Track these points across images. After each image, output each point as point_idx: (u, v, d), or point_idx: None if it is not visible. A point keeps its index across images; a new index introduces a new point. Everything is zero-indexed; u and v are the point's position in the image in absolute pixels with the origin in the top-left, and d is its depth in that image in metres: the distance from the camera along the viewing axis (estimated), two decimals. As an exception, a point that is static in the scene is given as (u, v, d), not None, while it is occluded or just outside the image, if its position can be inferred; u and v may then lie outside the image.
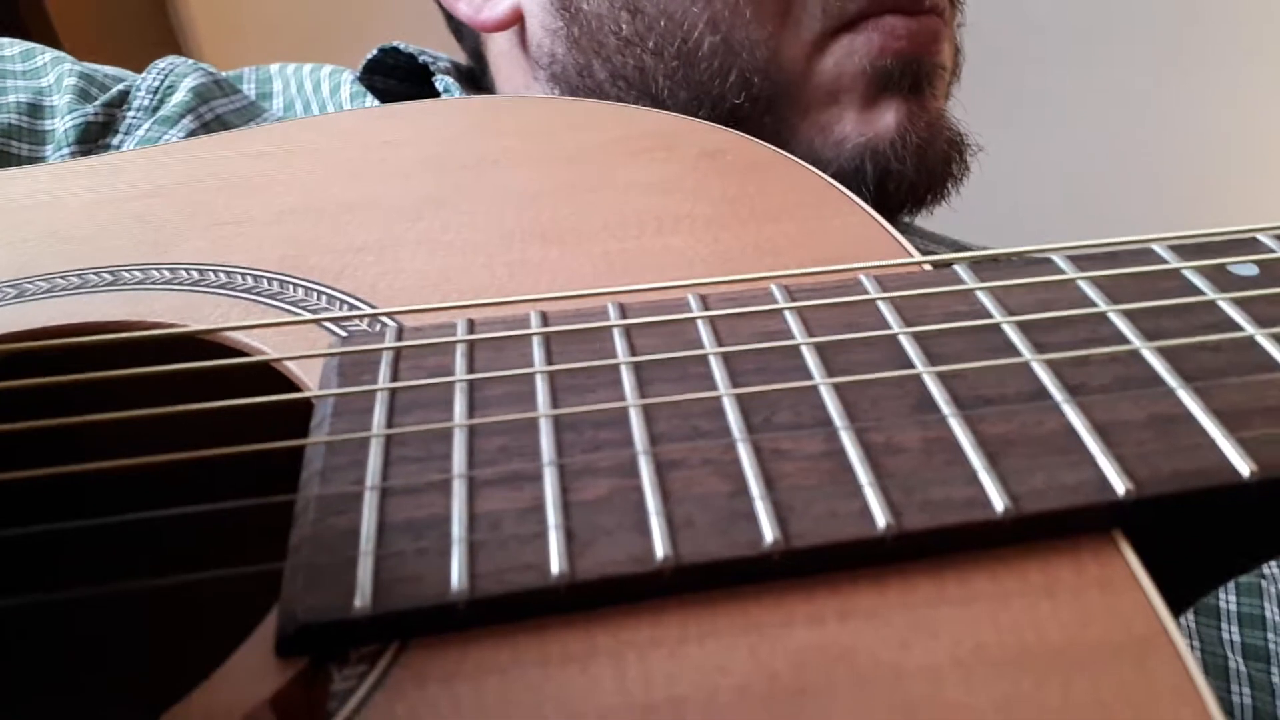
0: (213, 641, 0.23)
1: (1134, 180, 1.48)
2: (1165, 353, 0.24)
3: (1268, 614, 0.49)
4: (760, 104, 0.49)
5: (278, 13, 1.47)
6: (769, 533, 0.20)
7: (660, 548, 0.20)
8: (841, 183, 0.46)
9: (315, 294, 0.30)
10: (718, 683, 0.19)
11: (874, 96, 0.49)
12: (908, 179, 0.49)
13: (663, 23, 0.50)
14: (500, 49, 0.58)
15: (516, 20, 0.55)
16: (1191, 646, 0.47)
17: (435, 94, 0.57)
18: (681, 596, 0.20)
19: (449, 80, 0.57)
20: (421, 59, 0.59)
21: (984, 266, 0.28)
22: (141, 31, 1.42)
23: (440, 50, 0.62)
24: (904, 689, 0.19)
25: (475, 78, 0.63)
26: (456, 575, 0.20)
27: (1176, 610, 0.21)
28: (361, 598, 0.20)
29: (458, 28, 0.61)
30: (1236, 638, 0.48)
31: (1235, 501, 0.22)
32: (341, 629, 0.20)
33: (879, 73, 0.49)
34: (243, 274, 0.31)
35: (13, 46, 0.57)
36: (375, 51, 0.60)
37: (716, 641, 0.20)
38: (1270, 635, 0.48)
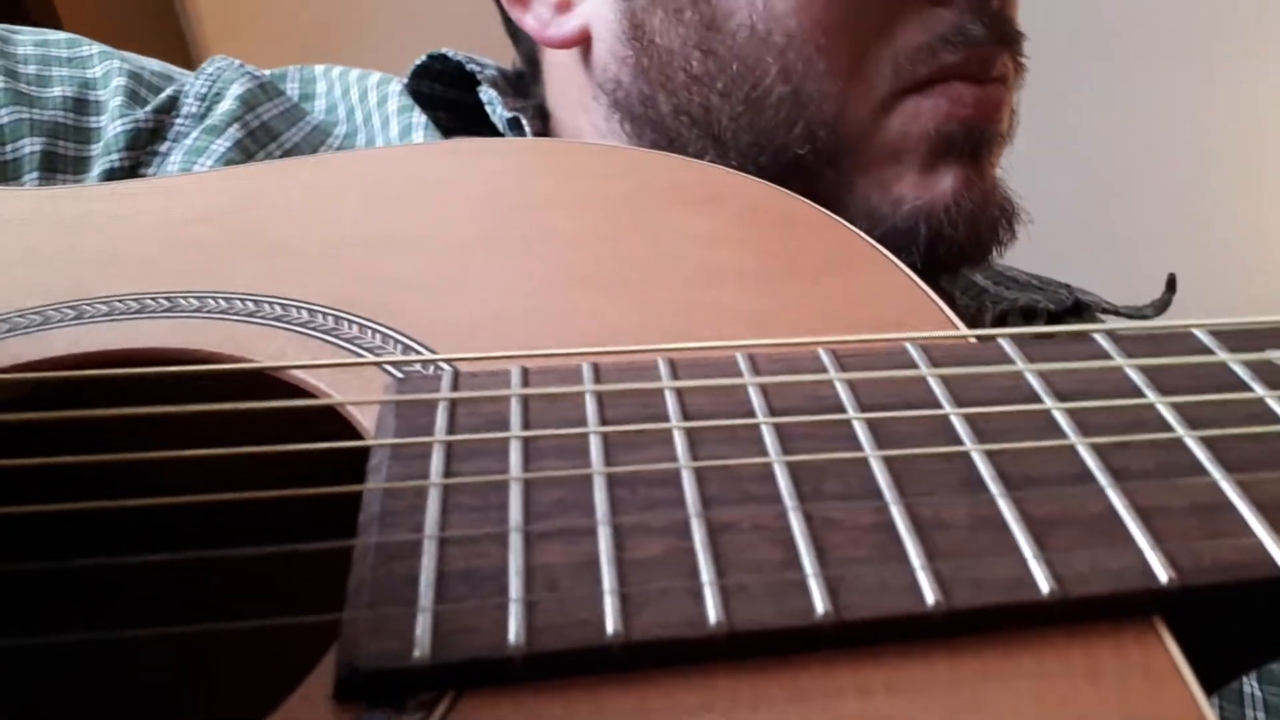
0: (259, 673, 0.24)
1: (1146, 184, 1.49)
2: (1208, 441, 0.25)
3: None
4: (823, 157, 0.49)
5: (285, 11, 1.47)
6: (820, 604, 0.21)
7: (713, 613, 0.21)
8: (894, 240, 0.46)
9: (370, 331, 0.30)
10: (768, 751, 0.19)
11: (934, 160, 0.49)
12: (958, 244, 0.49)
13: (735, 66, 0.50)
14: (560, 62, 0.58)
15: (584, 40, 0.55)
16: None
17: (479, 103, 0.57)
18: (732, 662, 0.21)
19: (492, 93, 0.57)
20: (469, 67, 0.59)
21: (1028, 342, 0.28)
22: (148, 27, 1.43)
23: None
24: (948, 766, 0.19)
25: (524, 85, 0.62)
26: (514, 629, 0.21)
27: (1207, 693, 0.21)
28: (421, 647, 0.20)
29: (515, 30, 0.61)
30: None
31: (1275, 593, 0.22)
32: (401, 677, 0.20)
33: (943, 137, 0.49)
34: (298, 307, 0.31)
35: (57, 34, 0.56)
36: (424, 58, 0.59)
37: (769, 709, 0.20)
38: None
